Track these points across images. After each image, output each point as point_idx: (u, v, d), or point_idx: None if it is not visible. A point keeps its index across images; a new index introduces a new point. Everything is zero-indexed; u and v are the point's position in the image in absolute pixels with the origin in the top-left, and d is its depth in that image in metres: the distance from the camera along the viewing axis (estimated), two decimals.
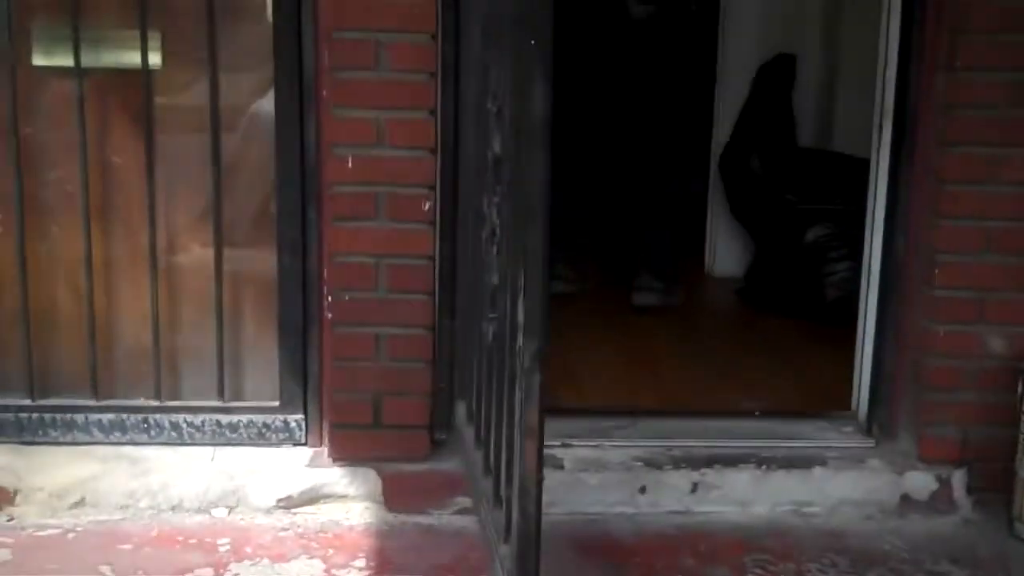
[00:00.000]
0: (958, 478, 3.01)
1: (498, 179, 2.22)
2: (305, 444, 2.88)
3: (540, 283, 1.86)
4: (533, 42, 1.80)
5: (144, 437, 2.86)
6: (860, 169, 4.34)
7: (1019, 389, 2.91)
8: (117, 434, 2.86)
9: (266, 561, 2.60)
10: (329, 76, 2.65)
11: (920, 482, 3.01)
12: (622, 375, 3.64)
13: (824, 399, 3.42)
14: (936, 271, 2.92)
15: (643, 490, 2.93)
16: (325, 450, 2.86)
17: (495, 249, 2.25)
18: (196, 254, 2.85)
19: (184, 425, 2.86)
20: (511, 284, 1.97)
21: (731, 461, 2.99)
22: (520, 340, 1.91)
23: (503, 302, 2.15)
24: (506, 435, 2.08)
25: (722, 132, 4.74)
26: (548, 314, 1.89)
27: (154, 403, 2.87)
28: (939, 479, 3.01)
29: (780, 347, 3.97)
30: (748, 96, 4.68)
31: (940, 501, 3.01)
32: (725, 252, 4.88)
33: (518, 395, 1.92)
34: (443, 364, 2.85)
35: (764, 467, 2.99)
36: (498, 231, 2.22)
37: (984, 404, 2.99)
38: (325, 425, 2.86)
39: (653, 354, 3.85)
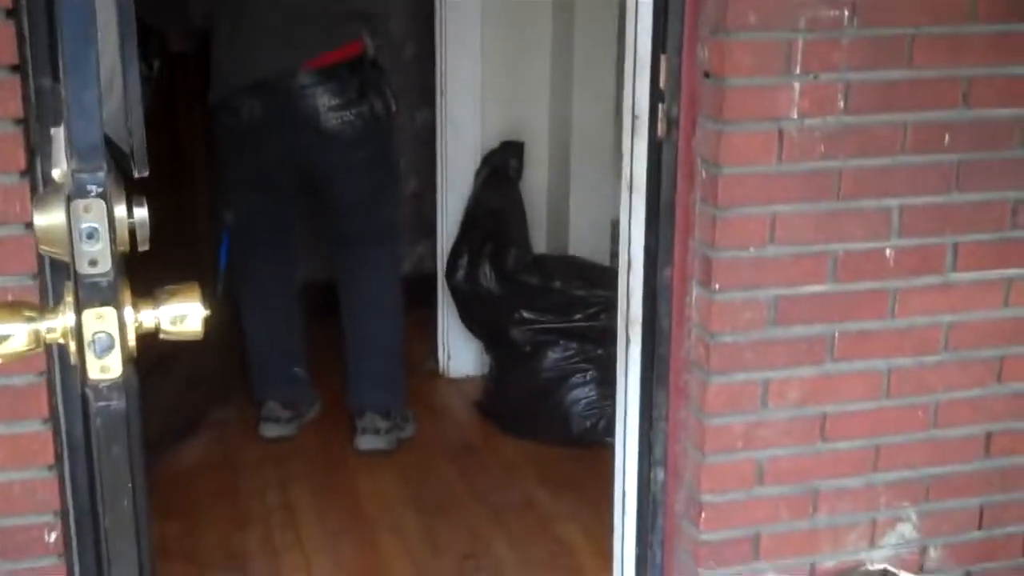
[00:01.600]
0: None
1: None
2: None
3: None
4: None
5: None
6: (600, 277, 3.90)
7: None
8: None
9: None
10: None
11: None
12: None
13: None
14: (702, 514, 2.46)
15: None
16: None
17: None
18: None
19: None
20: None
21: None
22: None
23: None
24: None
25: (447, 235, 4.15)
26: None
27: None
28: None
29: (530, 513, 3.44)
30: (473, 192, 4.09)
31: None
32: (460, 351, 4.33)
33: None
34: None
35: None
36: None
37: None
38: None
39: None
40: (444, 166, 4.21)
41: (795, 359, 2.41)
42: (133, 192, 1.19)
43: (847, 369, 2.45)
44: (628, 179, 2.45)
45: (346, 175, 3.61)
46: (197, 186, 3.91)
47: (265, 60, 3.46)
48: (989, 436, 2.60)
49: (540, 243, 4.20)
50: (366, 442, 3.74)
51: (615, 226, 4.11)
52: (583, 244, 4.20)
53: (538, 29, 4.13)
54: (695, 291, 2.39)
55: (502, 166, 4.08)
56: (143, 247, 1.18)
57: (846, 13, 2.26)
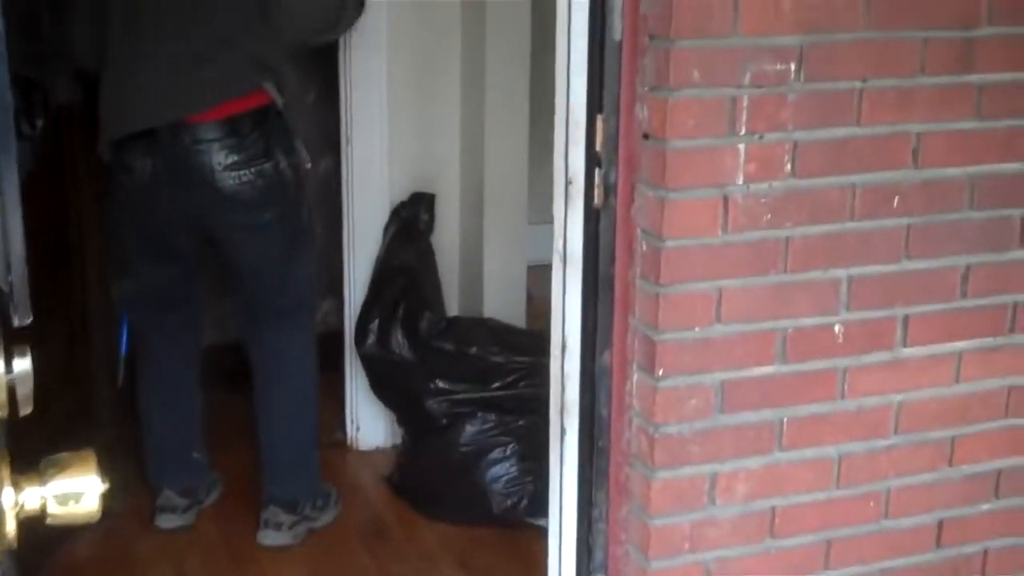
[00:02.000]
0: None
1: None
2: None
3: None
4: None
5: None
6: (518, 341, 3.71)
7: None
8: None
9: None
10: None
11: None
12: None
13: None
14: None
15: None
16: None
17: None
18: None
19: None
20: None
21: None
22: None
23: None
24: None
25: (355, 292, 3.93)
26: None
27: None
28: None
29: None
30: (382, 248, 3.88)
31: None
32: (369, 420, 4.10)
33: None
34: None
35: None
36: None
37: None
38: None
39: None
40: (351, 219, 3.96)
41: (743, 449, 2.23)
42: (12, 339, 0.97)
43: (796, 458, 2.27)
44: (561, 251, 2.24)
45: (248, 238, 3.30)
46: (87, 259, 3.62)
47: (150, 108, 3.14)
48: (940, 524, 2.43)
49: (452, 298, 3.99)
50: (267, 537, 3.47)
51: (530, 271, 3.97)
52: (497, 296, 3.98)
53: (447, 75, 3.95)
54: (636, 376, 2.19)
55: (412, 220, 3.87)
56: (25, 410, 0.96)
57: (792, 66, 2.10)
